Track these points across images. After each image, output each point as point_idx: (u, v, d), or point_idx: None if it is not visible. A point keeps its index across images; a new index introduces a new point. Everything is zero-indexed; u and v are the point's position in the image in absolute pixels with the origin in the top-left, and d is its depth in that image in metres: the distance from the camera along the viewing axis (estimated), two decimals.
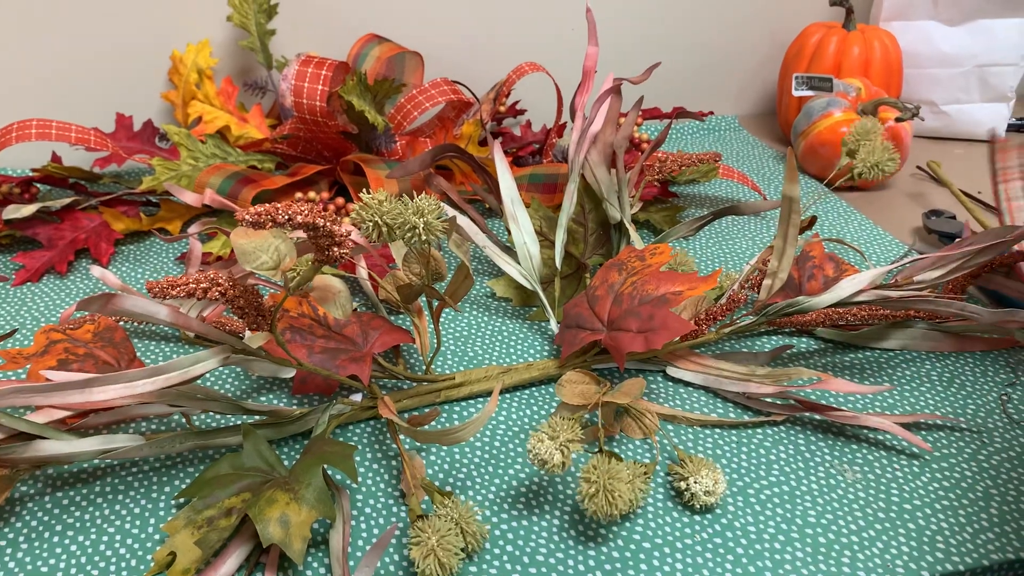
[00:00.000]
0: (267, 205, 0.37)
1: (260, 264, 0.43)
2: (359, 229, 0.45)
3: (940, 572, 0.47)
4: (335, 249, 0.41)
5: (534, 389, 0.62)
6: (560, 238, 0.69)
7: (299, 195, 0.79)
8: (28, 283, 0.75)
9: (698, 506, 0.51)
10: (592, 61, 0.73)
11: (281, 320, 0.59)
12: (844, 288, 0.58)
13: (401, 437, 0.55)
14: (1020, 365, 0.65)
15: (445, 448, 0.56)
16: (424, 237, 0.44)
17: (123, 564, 0.47)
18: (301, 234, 0.56)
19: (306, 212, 0.38)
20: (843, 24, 1.06)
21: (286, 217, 0.37)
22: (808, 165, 0.99)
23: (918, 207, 0.93)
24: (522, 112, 1.07)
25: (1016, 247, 0.70)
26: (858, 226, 0.88)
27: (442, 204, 0.46)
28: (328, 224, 0.39)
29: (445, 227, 0.45)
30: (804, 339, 0.68)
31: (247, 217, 0.37)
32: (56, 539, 0.49)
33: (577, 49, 1.06)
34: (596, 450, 0.51)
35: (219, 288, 0.44)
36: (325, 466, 0.49)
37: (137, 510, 0.51)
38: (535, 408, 0.60)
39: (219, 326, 0.65)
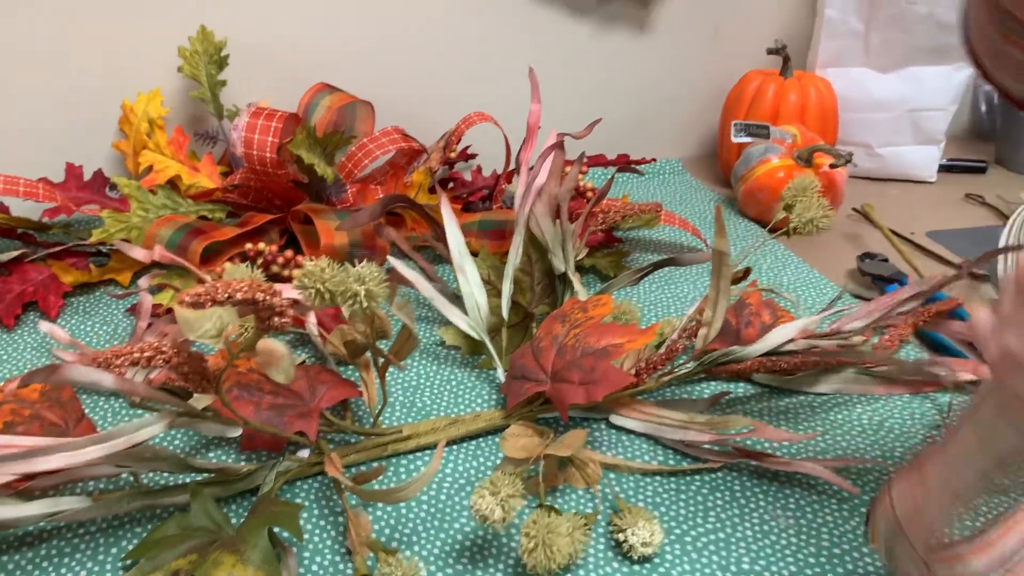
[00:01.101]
0: (207, 285, 0.39)
1: (203, 333, 0.44)
2: (302, 295, 0.46)
3: None
4: (275, 319, 0.43)
5: (480, 440, 0.64)
6: (507, 289, 0.71)
7: (249, 245, 0.80)
8: None
9: (636, 557, 0.53)
10: (535, 118, 0.75)
11: (228, 378, 0.60)
12: (775, 337, 0.61)
13: (347, 494, 0.56)
14: (946, 407, 0.68)
15: (390, 505, 0.57)
16: (365, 304, 0.46)
17: None
18: None
19: (245, 288, 0.39)
20: (780, 71, 1.10)
21: (225, 295, 0.39)
22: (748, 209, 1.03)
23: (853, 248, 0.97)
24: (473, 157, 1.09)
25: (951, 300, 0.73)
26: (795, 269, 0.91)
27: (382, 270, 0.47)
28: (267, 298, 0.41)
29: (387, 293, 0.46)
30: (742, 385, 0.70)
31: (187, 299, 0.38)
32: None
33: (525, 97, 1.09)
34: (537, 504, 0.52)
35: (163, 356, 0.45)
36: (271, 526, 0.50)
37: (84, 573, 0.51)
38: (481, 460, 0.62)
39: (169, 382, 0.66)
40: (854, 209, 1.07)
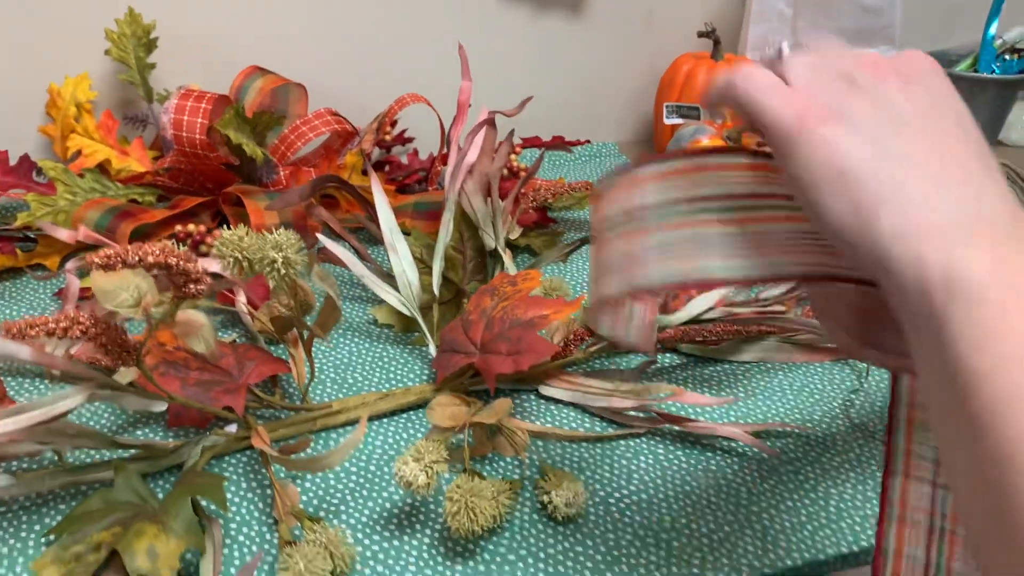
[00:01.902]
0: (117, 247, 0.39)
1: (120, 303, 0.44)
2: (220, 265, 0.47)
3: (780, 567, 0.52)
4: (191, 286, 0.43)
5: (411, 413, 0.64)
6: (437, 266, 0.72)
7: (179, 227, 0.80)
8: None
9: (560, 517, 0.54)
10: (466, 95, 0.76)
11: (155, 354, 0.60)
12: (696, 306, 0.63)
13: (275, 466, 0.56)
14: (864, 372, 0.71)
15: (320, 475, 0.58)
16: (283, 271, 0.46)
17: None
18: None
19: (157, 252, 0.39)
20: (711, 55, 1.12)
21: (136, 258, 0.39)
22: None
23: None
24: (410, 140, 1.09)
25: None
26: None
27: (299, 238, 0.48)
28: (181, 263, 0.41)
29: (305, 260, 0.46)
30: (669, 355, 0.72)
31: (96, 260, 0.38)
32: None
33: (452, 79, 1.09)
34: (462, 469, 0.53)
35: (80, 327, 0.44)
36: (196, 497, 0.50)
37: (5, 550, 0.51)
38: (411, 432, 0.62)
39: (93, 362, 0.65)
40: None
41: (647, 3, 1.20)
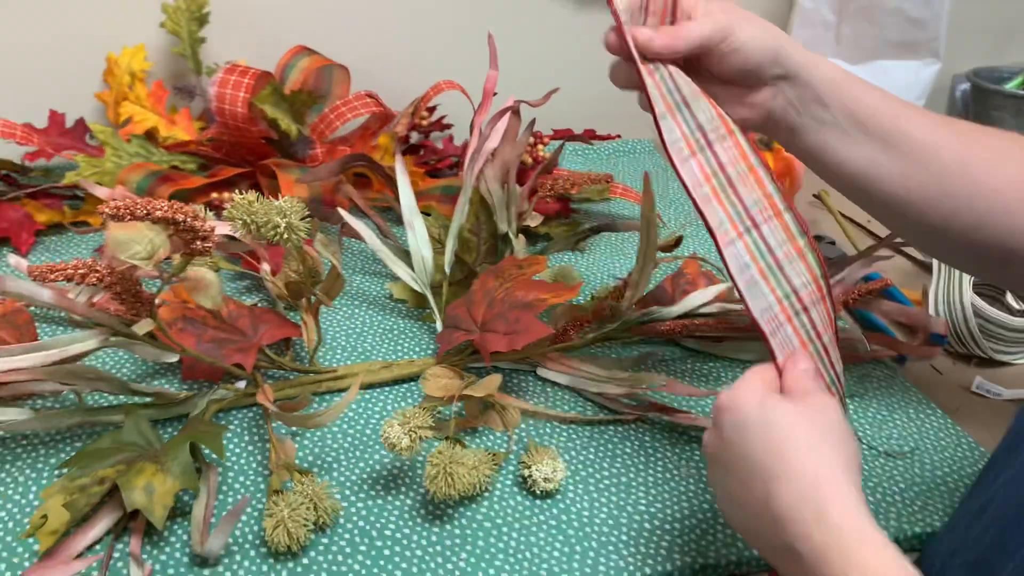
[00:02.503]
0: (128, 199, 0.42)
1: (133, 254, 0.47)
2: (231, 226, 0.50)
3: (746, 556, 0.53)
4: (199, 243, 0.46)
5: (412, 384, 0.67)
6: (450, 246, 0.74)
7: (214, 195, 0.84)
8: None
9: (538, 491, 0.56)
10: (491, 83, 0.78)
11: (176, 310, 0.63)
12: (694, 300, 0.64)
13: (275, 423, 0.60)
14: (866, 378, 0.71)
15: (318, 434, 0.61)
16: (286, 236, 0.49)
17: (1, 526, 0.51)
18: None
19: (165, 208, 0.43)
20: None
21: (145, 212, 0.42)
22: None
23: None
24: (449, 127, 1.12)
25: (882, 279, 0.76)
26: None
27: (303, 205, 0.50)
28: (188, 219, 0.44)
29: (308, 227, 0.49)
30: (670, 348, 0.74)
31: (106, 210, 0.41)
32: None
33: (505, 68, 1.12)
34: (444, 437, 0.55)
35: (96, 274, 0.48)
36: (196, 443, 0.54)
37: (22, 478, 0.55)
38: (410, 400, 0.65)
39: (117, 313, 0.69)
40: (814, 195, 1.10)
41: None
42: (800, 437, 0.42)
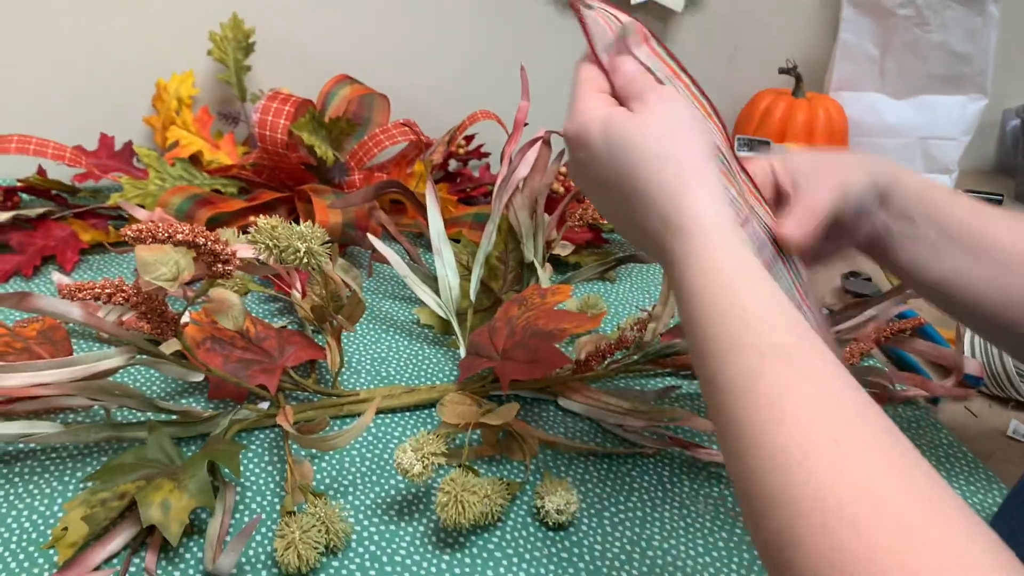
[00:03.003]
0: (151, 222, 0.43)
1: (159, 275, 0.48)
2: (255, 249, 0.51)
3: None
4: (219, 266, 0.47)
5: (433, 409, 0.67)
6: (476, 273, 0.75)
7: (252, 218, 0.85)
8: None
9: (551, 523, 0.56)
10: (523, 113, 0.79)
11: (205, 330, 0.65)
12: None
13: (294, 444, 0.60)
14: (897, 419, 0.70)
15: (336, 457, 0.61)
16: (306, 260, 0.50)
17: (25, 536, 0.52)
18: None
19: (186, 231, 0.44)
20: (792, 91, 1.12)
21: (166, 235, 0.43)
22: None
23: (843, 266, 0.98)
24: (487, 155, 1.13)
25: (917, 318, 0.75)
26: None
27: (323, 231, 0.52)
28: (209, 243, 0.45)
29: (326, 252, 0.50)
30: (694, 382, 0.73)
31: (129, 233, 0.43)
32: None
33: (541, 99, 1.13)
34: (457, 464, 0.56)
35: (123, 294, 0.49)
36: (214, 461, 0.55)
37: (48, 490, 0.56)
38: (431, 426, 0.65)
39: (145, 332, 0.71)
40: None
41: (735, 37, 1.20)
42: (649, 149, 0.44)
